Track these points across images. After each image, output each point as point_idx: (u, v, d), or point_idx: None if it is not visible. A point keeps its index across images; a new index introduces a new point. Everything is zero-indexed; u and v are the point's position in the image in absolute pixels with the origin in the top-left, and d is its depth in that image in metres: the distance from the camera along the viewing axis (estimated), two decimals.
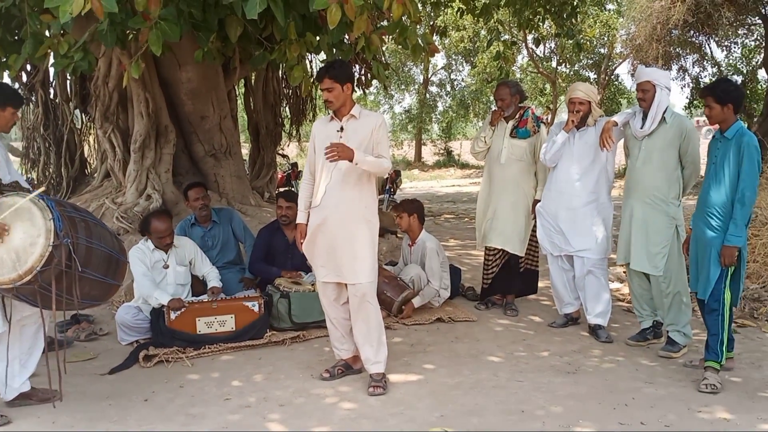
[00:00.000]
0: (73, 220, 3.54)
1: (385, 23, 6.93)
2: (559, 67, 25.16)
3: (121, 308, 5.06)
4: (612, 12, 21.49)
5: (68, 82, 8.52)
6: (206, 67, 6.78)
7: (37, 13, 5.10)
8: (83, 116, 8.91)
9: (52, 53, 5.70)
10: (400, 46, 5.97)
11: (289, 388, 4.15)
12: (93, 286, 3.67)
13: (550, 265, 5.44)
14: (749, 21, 16.94)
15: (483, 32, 20.87)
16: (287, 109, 9.68)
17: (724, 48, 18.68)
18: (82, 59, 5.43)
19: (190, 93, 7.02)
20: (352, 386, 4.18)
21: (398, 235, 6.46)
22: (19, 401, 3.83)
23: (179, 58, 6.72)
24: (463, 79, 30.38)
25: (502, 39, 9.03)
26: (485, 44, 14.05)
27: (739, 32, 17.77)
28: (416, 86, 30.69)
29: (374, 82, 9.57)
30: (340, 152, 3.87)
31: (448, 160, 29.60)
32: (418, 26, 6.52)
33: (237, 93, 8.82)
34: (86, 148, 9.06)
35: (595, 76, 24.62)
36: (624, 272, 6.09)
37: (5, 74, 6.30)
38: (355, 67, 8.29)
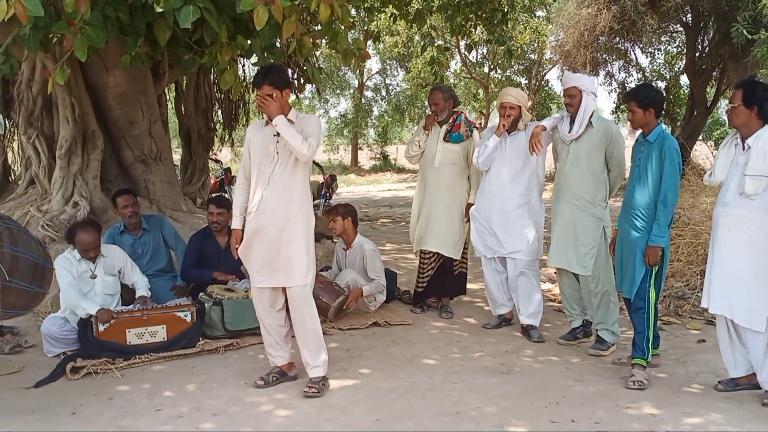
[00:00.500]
0: None
1: (318, 27, 6.91)
2: (491, 73, 25.55)
3: (47, 319, 4.89)
4: (541, 19, 21.94)
5: None
6: (135, 72, 6.62)
7: None
8: (6, 122, 8.57)
9: None
10: (333, 51, 5.97)
11: (223, 397, 4.08)
12: (19, 295, 3.56)
13: (483, 268, 5.52)
14: (671, 28, 17.54)
15: (417, 38, 21.03)
16: (219, 113, 9.53)
17: (649, 54, 19.27)
18: (4, 63, 5.22)
19: (119, 98, 6.85)
20: (288, 393, 4.14)
21: (334, 240, 6.45)
22: None
23: (106, 62, 6.54)
24: (398, 84, 30.55)
25: (436, 44, 9.09)
26: (419, 49, 14.17)
27: (662, 39, 18.36)
28: (351, 91, 30.69)
29: (308, 86, 9.53)
30: (268, 107, 3.92)
31: (385, 164, 29.66)
32: (351, 31, 6.52)
33: (167, 97, 8.63)
34: (10, 154, 8.72)
35: (526, 81, 25.09)
36: (555, 273, 6.22)
37: None
38: (287, 70, 8.23)
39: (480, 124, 21.98)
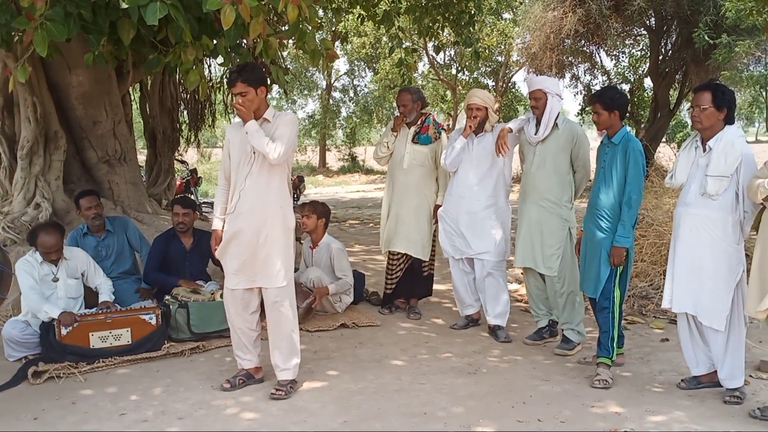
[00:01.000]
0: None
1: (285, 28, 6.88)
2: (458, 75, 25.70)
3: (7, 323, 4.78)
4: (508, 21, 22.12)
5: None
6: (98, 71, 6.52)
7: None
8: None
9: None
10: (301, 51, 5.94)
11: (189, 401, 4.04)
12: None
13: (451, 268, 5.54)
14: (635, 32, 17.80)
15: (385, 39, 21.05)
16: (185, 114, 9.45)
17: (613, 57, 19.55)
18: None
19: (82, 97, 6.75)
20: (254, 396, 4.11)
21: (301, 240, 6.42)
22: None
23: (69, 61, 6.44)
24: (366, 85, 30.57)
25: (404, 46, 9.10)
26: (387, 51, 14.16)
27: (627, 42, 18.64)
28: (319, 92, 30.62)
29: (275, 87, 9.47)
30: (242, 113, 3.91)
31: (353, 165, 29.65)
32: (318, 32, 6.51)
33: (132, 97, 8.53)
34: None
35: (494, 83, 25.28)
36: (521, 273, 6.26)
37: None
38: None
39: (448, 125, 22.10)
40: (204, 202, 11.78)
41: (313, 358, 4.79)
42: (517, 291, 6.70)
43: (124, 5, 4.23)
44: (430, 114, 5.85)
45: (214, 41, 5.35)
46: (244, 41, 5.86)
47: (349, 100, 30.97)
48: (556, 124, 4.84)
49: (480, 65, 24.22)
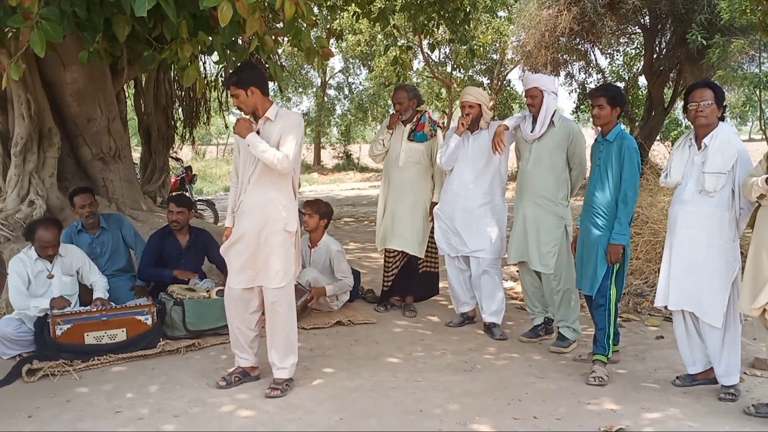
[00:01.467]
0: None
1: (280, 25, 6.86)
2: (453, 72, 25.69)
3: (1, 321, 4.78)
4: (503, 19, 22.11)
5: None
6: (93, 68, 6.49)
7: None
8: None
9: None
10: (296, 49, 5.93)
11: (184, 398, 4.03)
12: None
13: (447, 266, 5.54)
14: (630, 30, 17.82)
15: (380, 36, 21.03)
16: (180, 111, 9.41)
17: (608, 55, 19.53)
18: None
19: (76, 94, 6.71)
20: (250, 393, 4.11)
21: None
22: None
23: (63, 58, 6.41)
24: (360, 82, 30.54)
25: (399, 44, 9.10)
26: (382, 48, 14.17)
27: (621, 41, 18.65)
28: (314, 89, 30.58)
29: (270, 84, 9.45)
30: (240, 128, 3.93)
31: (348, 163, 29.62)
32: (313, 29, 6.49)
33: (127, 94, 8.50)
34: None
35: (488, 81, 25.26)
36: (517, 271, 6.27)
37: None
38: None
39: (443, 123, 22.08)
40: (199, 200, 11.74)
41: (309, 356, 4.79)
42: (512, 289, 6.70)
43: None
44: (425, 111, 5.85)
45: (210, 38, 5.33)
46: (240, 38, 5.84)
47: (344, 98, 30.93)
48: (552, 122, 4.84)
49: (475, 63, 24.21)
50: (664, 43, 16.64)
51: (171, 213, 5.63)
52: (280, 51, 9.46)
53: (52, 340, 4.56)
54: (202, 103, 9.45)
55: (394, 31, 9.03)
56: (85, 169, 7.13)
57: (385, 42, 9.50)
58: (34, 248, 4.91)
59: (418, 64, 26.08)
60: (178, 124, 9.34)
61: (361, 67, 29.13)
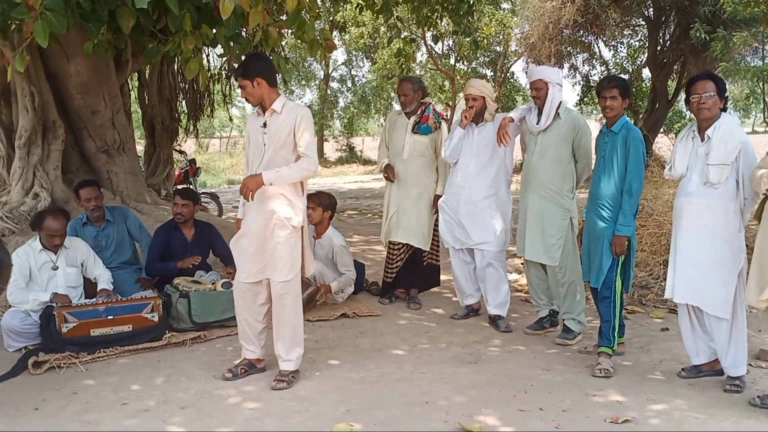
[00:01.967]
0: None
1: (284, 17, 6.84)
2: (457, 64, 25.62)
3: (7, 313, 4.77)
4: (507, 11, 22.03)
5: None
6: (97, 60, 6.49)
7: None
8: None
9: None
10: (299, 41, 5.91)
11: (191, 390, 4.04)
12: None
13: (452, 258, 5.54)
14: (634, 22, 17.78)
15: (383, 29, 20.96)
16: (184, 103, 9.41)
17: (612, 47, 19.51)
18: None
19: (80, 87, 6.71)
20: (256, 385, 4.11)
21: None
22: None
23: (67, 50, 6.41)
24: (363, 75, 30.46)
25: (402, 36, 9.06)
26: (385, 41, 14.10)
27: (625, 33, 18.62)
28: (317, 82, 30.51)
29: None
30: (250, 186, 3.90)
31: (351, 156, 29.58)
32: (317, 21, 6.47)
33: (130, 87, 8.49)
34: None
35: (492, 73, 25.19)
36: (522, 264, 6.27)
37: None
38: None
39: (446, 115, 22.05)
40: (203, 193, 11.74)
41: (314, 348, 4.80)
42: (517, 281, 6.70)
43: None
44: (430, 104, 5.83)
45: (214, 30, 5.32)
46: (244, 31, 5.83)
47: (347, 91, 30.86)
48: (558, 114, 4.83)
49: (478, 55, 24.13)
50: (668, 35, 16.60)
51: (176, 205, 5.64)
52: (283, 43, 9.42)
53: (58, 334, 4.57)
54: (206, 95, 9.45)
55: (398, 23, 8.96)
56: (90, 162, 7.14)
57: (388, 34, 9.45)
58: (39, 239, 4.92)
59: (421, 56, 26.01)
60: (181, 117, 9.33)
61: (364, 60, 29.05)
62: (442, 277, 6.17)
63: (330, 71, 29.69)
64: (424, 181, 5.71)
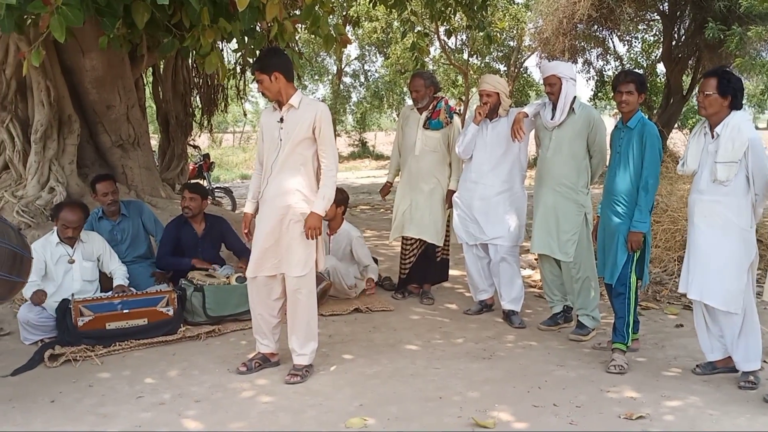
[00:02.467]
0: None
1: (298, 12, 6.84)
2: (470, 59, 25.55)
3: (23, 306, 4.80)
4: (520, 5, 21.96)
5: None
6: (112, 55, 6.52)
7: None
8: None
9: None
10: (313, 36, 5.92)
11: (205, 384, 4.06)
12: None
13: (465, 254, 5.53)
14: (648, 17, 17.67)
15: (396, 23, 20.93)
16: (198, 98, 9.44)
17: (626, 42, 19.40)
18: None
19: (95, 81, 6.74)
20: (270, 379, 4.13)
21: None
22: None
23: (83, 44, 6.43)
24: (376, 69, 30.44)
25: (416, 30, 9.03)
26: (399, 35, 14.08)
27: (640, 27, 18.50)
28: (330, 77, 30.51)
29: None
30: (315, 226, 3.97)
31: (363, 151, 29.60)
32: (330, 16, 6.47)
33: (145, 82, 8.53)
34: None
35: (505, 68, 25.12)
36: (535, 259, 6.25)
37: None
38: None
39: (459, 110, 21.99)
40: (217, 187, 11.80)
41: (328, 342, 4.81)
42: (530, 277, 6.69)
43: None
44: (442, 98, 5.80)
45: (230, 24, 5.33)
46: (259, 25, 5.83)
47: (360, 86, 30.86)
48: (572, 109, 4.80)
49: (492, 50, 24.04)
50: (683, 30, 16.49)
51: (184, 199, 5.66)
52: (296, 38, 9.42)
53: (74, 327, 4.61)
54: (220, 90, 9.47)
55: (411, 17, 8.94)
56: (105, 156, 7.17)
57: (401, 29, 9.42)
58: (56, 232, 4.95)
59: (434, 51, 25.95)
60: (196, 112, 9.37)
61: (377, 55, 29.01)
62: (455, 273, 6.16)
63: (343, 66, 29.70)
64: (437, 176, 5.69)
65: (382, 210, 12.33)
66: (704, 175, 3.98)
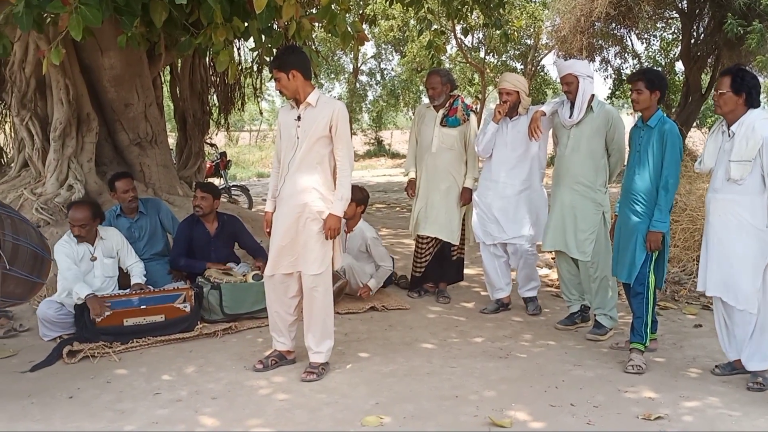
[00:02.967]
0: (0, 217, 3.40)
1: (314, 11, 6.85)
2: (487, 57, 25.47)
3: (42, 303, 4.85)
4: (538, 4, 21.85)
5: None
6: (130, 53, 6.56)
7: None
8: None
9: None
10: (329, 34, 5.91)
11: (222, 381, 4.08)
12: (18, 284, 3.56)
13: (482, 253, 5.53)
14: (667, 15, 17.53)
15: (412, 21, 20.89)
16: (215, 97, 9.47)
17: (644, 41, 19.27)
18: None
19: (113, 79, 6.78)
20: (287, 377, 4.14)
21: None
22: None
23: (101, 43, 6.47)
24: (392, 68, 30.41)
25: (432, 29, 9.01)
26: (415, 33, 14.06)
27: (658, 25, 18.37)
28: (346, 75, 30.51)
29: None
30: (334, 227, 4.01)
31: (379, 149, 29.57)
32: (347, 14, 6.46)
33: (162, 80, 8.56)
34: (2, 136, 8.64)
35: (522, 66, 25.01)
36: (552, 258, 6.22)
37: None
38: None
39: (476, 108, 21.92)
40: (234, 185, 11.84)
41: (344, 340, 4.81)
42: (547, 276, 6.66)
43: None
44: (459, 96, 5.78)
45: (246, 23, 5.34)
46: (276, 23, 5.84)
47: (376, 84, 30.84)
48: (591, 107, 4.77)
49: (508, 48, 23.95)
50: (702, 28, 16.34)
51: (195, 198, 5.68)
52: (313, 36, 9.44)
53: (92, 323, 4.64)
54: (237, 88, 9.49)
55: (428, 15, 8.93)
56: (122, 154, 7.22)
57: (418, 27, 9.41)
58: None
59: (450, 49, 25.88)
60: (213, 110, 9.40)
61: (394, 53, 28.98)
62: (472, 272, 6.15)
63: (359, 64, 29.68)
64: (453, 174, 5.67)
65: (397, 208, 12.33)
66: (719, 174, 3.97)
